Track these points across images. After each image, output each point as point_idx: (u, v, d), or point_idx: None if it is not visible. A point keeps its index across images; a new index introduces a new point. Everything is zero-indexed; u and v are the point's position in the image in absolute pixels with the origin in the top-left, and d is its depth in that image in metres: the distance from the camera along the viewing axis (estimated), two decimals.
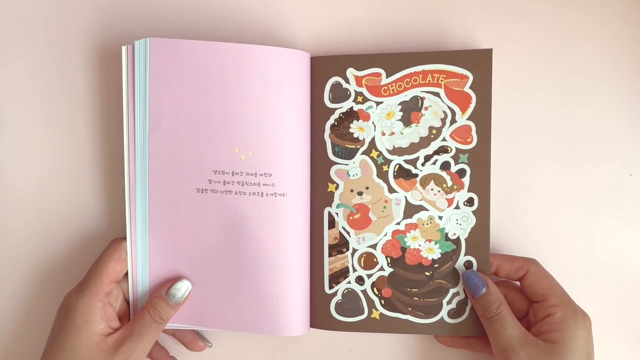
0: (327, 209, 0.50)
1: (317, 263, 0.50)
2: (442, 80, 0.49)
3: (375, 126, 0.49)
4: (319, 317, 0.50)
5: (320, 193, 0.50)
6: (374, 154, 0.49)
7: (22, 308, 0.51)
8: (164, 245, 0.48)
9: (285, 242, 0.48)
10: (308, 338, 0.52)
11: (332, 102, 0.50)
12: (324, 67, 0.49)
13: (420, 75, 0.49)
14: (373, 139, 0.49)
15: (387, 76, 0.49)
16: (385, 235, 0.50)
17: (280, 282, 0.48)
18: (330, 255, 0.50)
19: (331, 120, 0.50)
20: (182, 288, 0.47)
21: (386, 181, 0.49)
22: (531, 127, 0.51)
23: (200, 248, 0.48)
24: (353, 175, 0.50)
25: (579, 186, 0.51)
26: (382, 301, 0.50)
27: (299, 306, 0.48)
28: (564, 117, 0.51)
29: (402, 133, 0.49)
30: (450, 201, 0.49)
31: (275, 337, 0.51)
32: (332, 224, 0.50)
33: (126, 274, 0.48)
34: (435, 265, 0.49)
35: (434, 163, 0.49)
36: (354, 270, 0.50)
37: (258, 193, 0.47)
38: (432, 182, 0.49)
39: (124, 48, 0.47)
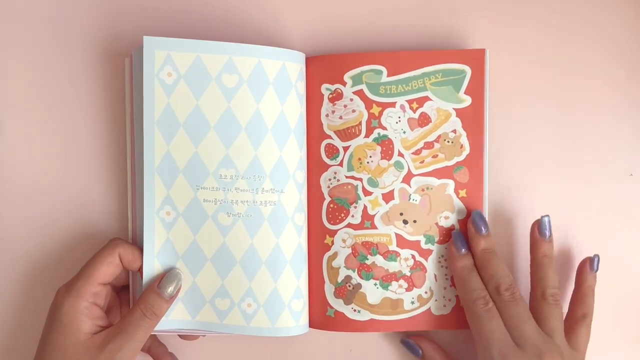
0: None
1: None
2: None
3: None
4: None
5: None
6: None
7: (20, 305, 0.52)
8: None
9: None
10: (308, 338, 0.52)
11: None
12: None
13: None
14: None
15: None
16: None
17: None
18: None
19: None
20: (174, 278, 0.46)
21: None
22: (530, 127, 0.51)
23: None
24: None
25: (578, 186, 0.51)
26: None
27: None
28: (564, 116, 0.51)
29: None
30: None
31: (274, 337, 0.52)
32: None
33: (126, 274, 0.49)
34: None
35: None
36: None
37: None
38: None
39: (126, 60, 0.48)
